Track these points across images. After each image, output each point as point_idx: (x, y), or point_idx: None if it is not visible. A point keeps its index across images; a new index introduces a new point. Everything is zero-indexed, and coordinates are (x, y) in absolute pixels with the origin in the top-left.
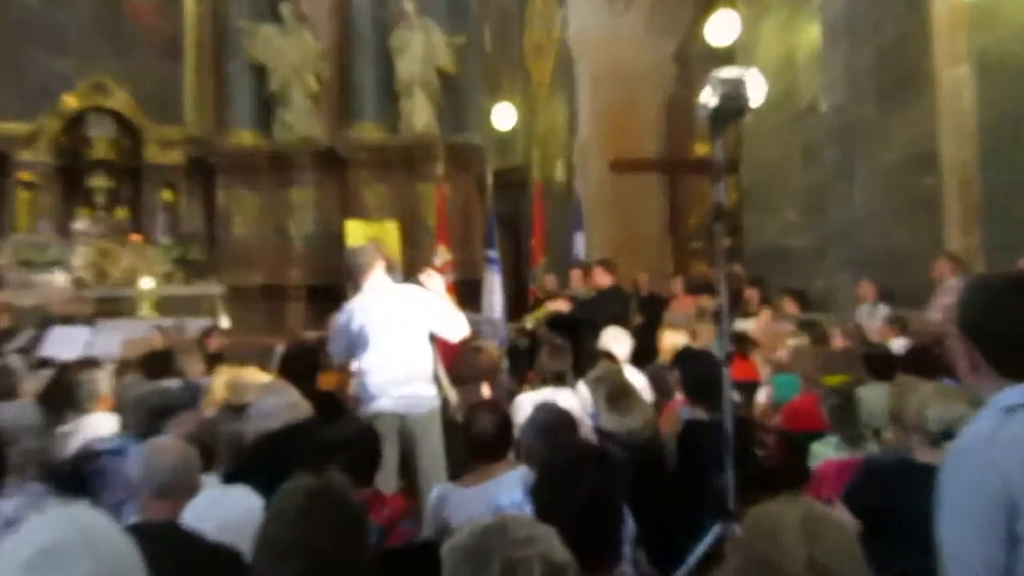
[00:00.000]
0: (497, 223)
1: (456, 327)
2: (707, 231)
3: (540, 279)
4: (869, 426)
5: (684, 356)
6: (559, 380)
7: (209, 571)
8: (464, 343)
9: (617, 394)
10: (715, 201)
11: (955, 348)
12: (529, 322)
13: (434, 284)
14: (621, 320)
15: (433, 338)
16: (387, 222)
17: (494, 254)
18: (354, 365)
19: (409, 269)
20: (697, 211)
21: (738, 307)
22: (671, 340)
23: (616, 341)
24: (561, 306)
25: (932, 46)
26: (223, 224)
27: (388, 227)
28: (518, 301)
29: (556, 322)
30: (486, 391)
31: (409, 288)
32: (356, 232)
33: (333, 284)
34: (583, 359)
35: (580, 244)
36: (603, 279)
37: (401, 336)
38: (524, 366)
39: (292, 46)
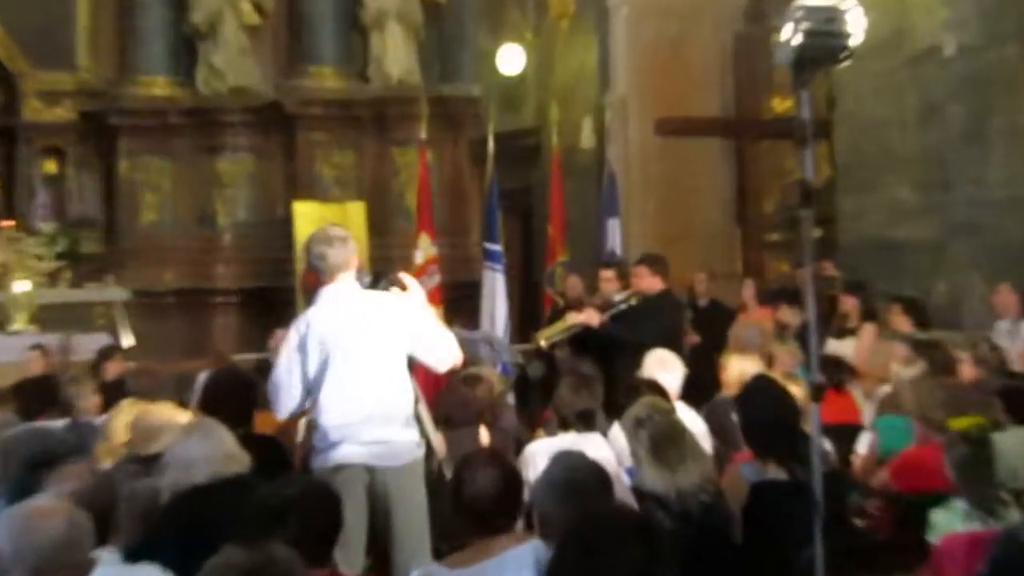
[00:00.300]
0: (501, 206)
1: (444, 351)
2: (789, 218)
3: (559, 282)
4: (1010, 487)
5: (753, 390)
6: (585, 422)
7: None
8: (454, 371)
9: (665, 442)
10: (800, 178)
11: None
12: (544, 341)
13: (413, 290)
14: (671, 339)
15: (413, 365)
16: (350, 203)
17: (496, 248)
18: (301, 404)
19: (379, 268)
20: (775, 191)
21: (831, 322)
22: (739, 368)
23: (664, 368)
24: (588, 319)
25: None
26: (126, 206)
27: (351, 210)
28: (529, 312)
29: (582, 341)
30: (484, 437)
31: (382, 297)
32: (307, 217)
33: (276, 288)
34: (618, 393)
35: (615, 235)
36: (647, 282)
37: (372, 362)
38: (537, 402)
39: None
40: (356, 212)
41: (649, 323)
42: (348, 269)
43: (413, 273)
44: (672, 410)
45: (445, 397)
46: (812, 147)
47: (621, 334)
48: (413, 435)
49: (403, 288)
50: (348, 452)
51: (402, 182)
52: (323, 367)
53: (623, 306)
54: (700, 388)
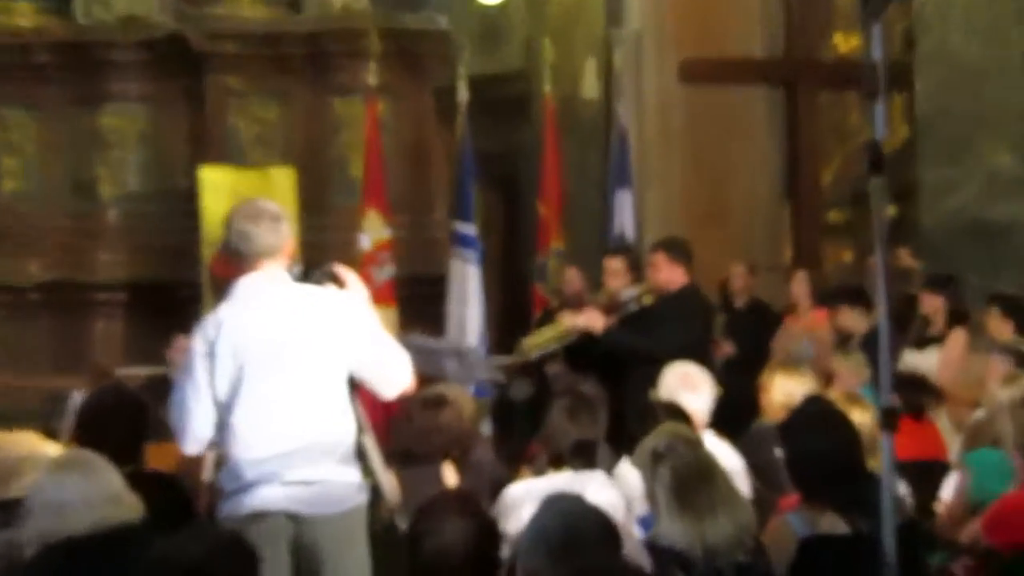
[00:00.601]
0: (476, 175)
1: (394, 371)
2: (854, 192)
3: (553, 276)
4: None
5: (804, 417)
6: (585, 457)
7: None
8: (411, 393)
9: (689, 483)
10: (869, 139)
11: None
12: (533, 351)
13: (354, 288)
14: (698, 349)
15: (356, 385)
16: (274, 170)
17: (469, 231)
18: (214, 431)
19: (311, 256)
20: (836, 156)
21: (909, 328)
22: (786, 388)
23: (689, 387)
24: (590, 324)
25: None
26: None
27: (276, 179)
28: (513, 315)
29: (581, 353)
30: (451, 476)
31: (318, 294)
32: (218, 188)
33: (177, 283)
34: (628, 420)
35: (626, 213)
36: (665, 275)
37: (302, 379)
38: (522, 432)
39: None
40: (282, 181)
41: (669, 329)
42: (278, 257)
43: (359, 263)
44: (699, 442)
45: (399, 425)
46: (885, 100)
47: (632, 343)
48: (355, 475)
49: (341, 284)
50: (268, 496)
51: (344, 143)
52: (238, 384)
53: (634, 307)
54: (736, 414)
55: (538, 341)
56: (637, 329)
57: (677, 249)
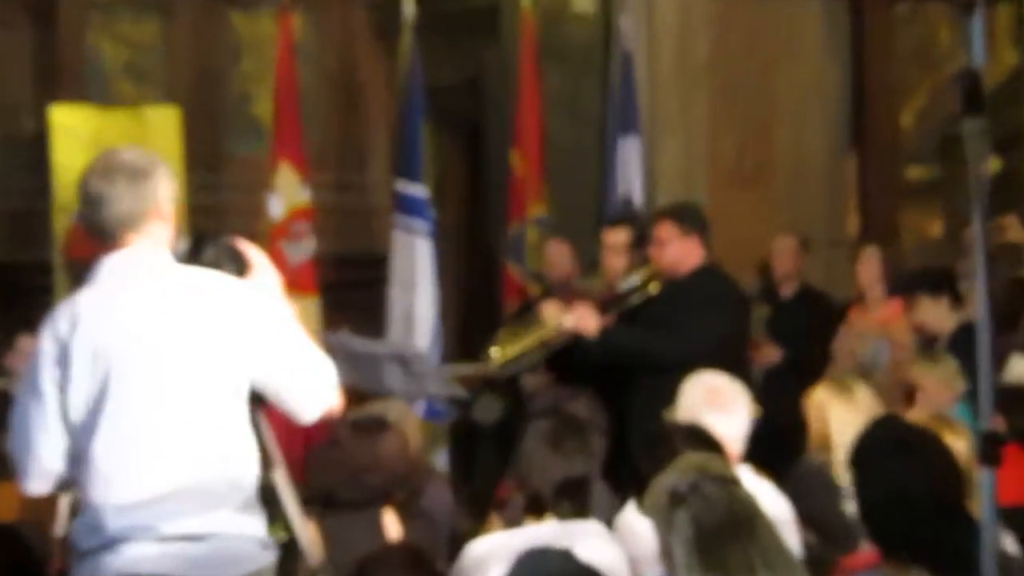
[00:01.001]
0: (429, 116)
1: (314, 385)
2: (943, 140)
3: (532, 251)
4: None
5: (876, 445)
6: (575, 500)
7: None
8: (339, 415)
9: (719, 535)
10: (964, 68)
11: None
12: (504, 364)
13: (261, 270)
14: (728, 354)
15: (263, 403)
16: (151, 109)
17: (419, 192)
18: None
19: (202, 226)
20: (919, 90)
21: (1017, 325)
22: (849, 405)
23: (717, 405)
24: (580, 323)
25: None
26: None
27: (154, 122)
28: (478, 306)
29: (569, 360)
30: (393, 527)
31: (209, 280)
32: (75, 133)
33: (21, 264)
34: (634, 450)
35: (633, 168)
36: (678, 251)
37: (184, 396)
38: (490, 467)
39: None
40: (162, 125)
41: (687, 325)
42: (146, 228)
43: (267, 236)
44: (732, 479)
45: (322, 459)
46: (983, 12)
47: (639, 346)
48: (258, 526)
49: (242, 266)
50: (140, 556)
51: (247, 73)
52: (99, 402)
53: (638, 298)
54: (782, 441)
55: (511, 350)
56: (643, 327)
57: (688, 217)
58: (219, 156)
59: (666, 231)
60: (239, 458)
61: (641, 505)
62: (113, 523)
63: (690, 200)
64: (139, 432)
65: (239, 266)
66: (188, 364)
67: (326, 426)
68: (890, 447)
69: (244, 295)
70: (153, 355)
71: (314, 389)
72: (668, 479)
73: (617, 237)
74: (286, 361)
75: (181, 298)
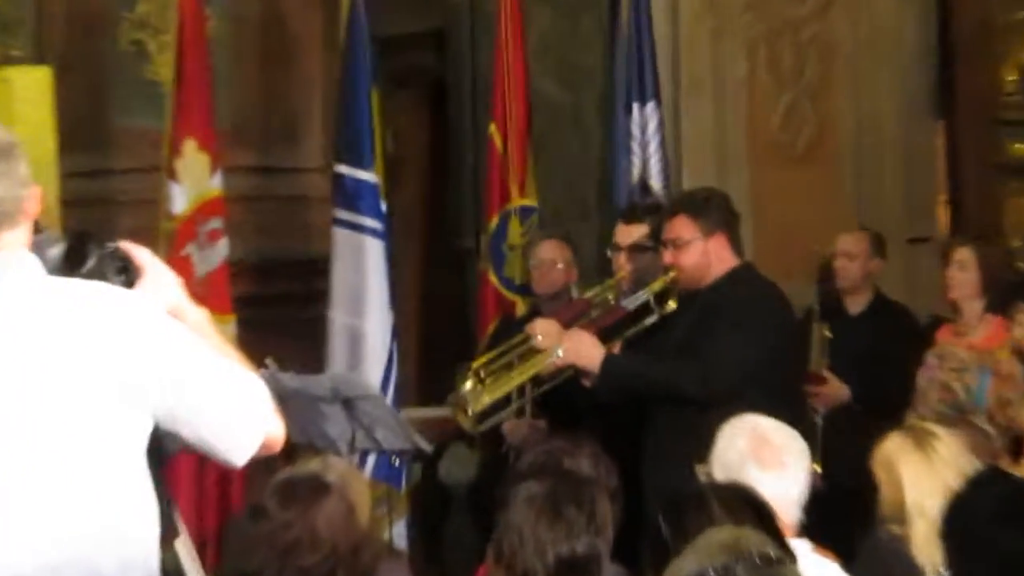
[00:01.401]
0: (381, 80)
1: (243, 413)
2: None
3: (516, 257)
4: None
5: (978, 507)
6: None
7: None
8: (267, 465)
9: None
10: None
11: None
12: (475, 403)
13: (158, 279)
14: (776, 389)
15: (160, 453)
16: (16, 69)
17: (368, 178)
18: None
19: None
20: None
21: None
22: (934, 459)
23: (763, 459)
24: (579, 353)
25: None
26: None
27: (20, 87)
28: (445, 324)
29: (566, 400)
30: None
31: (91, 295)
32: None
33: None
34: (652, 517)
35: (651, 144)
36: (694, 254)
37: (58, 447)
38: (462, 541)
39: None
40: (32, 92)
41: (718, 349)
42: (12, 227)
43: (167, 235)
44: (779, 559)
45: (241, 533)
46: None
47: (654, 380)
48: None
49: (134, 275)
50: None
51: (140, 21)
52: None
53: (653, 317)
54: (851, 504)
55: (489, 393)
56: (661, 356)
57: (712, 208)
58: (103, 131)
59: (683, 229)
60: (134, 527)
61: None
62: None
63: (714, 187)
64: (1, 497)
65: (129, 277)
66: (67, 408)
67: (245, 483)
68: (994, 513)
69: (138, 312)
70: (17, 395)
71: (243, 420)
72: (698, 559)
73: (633, 235)
74: (202, 390)
75: (56, 320)
